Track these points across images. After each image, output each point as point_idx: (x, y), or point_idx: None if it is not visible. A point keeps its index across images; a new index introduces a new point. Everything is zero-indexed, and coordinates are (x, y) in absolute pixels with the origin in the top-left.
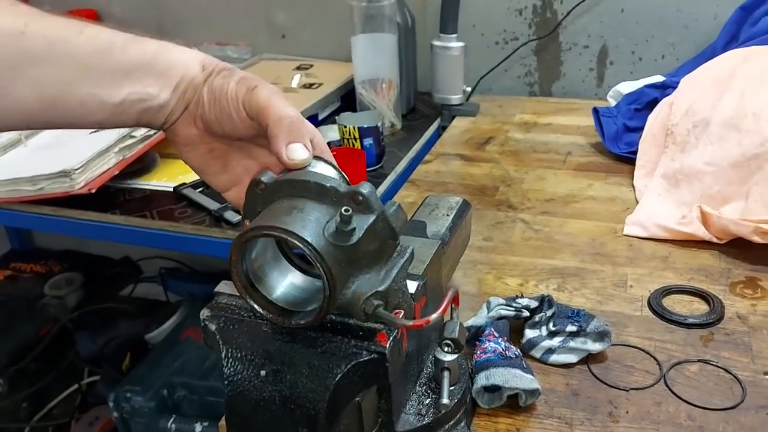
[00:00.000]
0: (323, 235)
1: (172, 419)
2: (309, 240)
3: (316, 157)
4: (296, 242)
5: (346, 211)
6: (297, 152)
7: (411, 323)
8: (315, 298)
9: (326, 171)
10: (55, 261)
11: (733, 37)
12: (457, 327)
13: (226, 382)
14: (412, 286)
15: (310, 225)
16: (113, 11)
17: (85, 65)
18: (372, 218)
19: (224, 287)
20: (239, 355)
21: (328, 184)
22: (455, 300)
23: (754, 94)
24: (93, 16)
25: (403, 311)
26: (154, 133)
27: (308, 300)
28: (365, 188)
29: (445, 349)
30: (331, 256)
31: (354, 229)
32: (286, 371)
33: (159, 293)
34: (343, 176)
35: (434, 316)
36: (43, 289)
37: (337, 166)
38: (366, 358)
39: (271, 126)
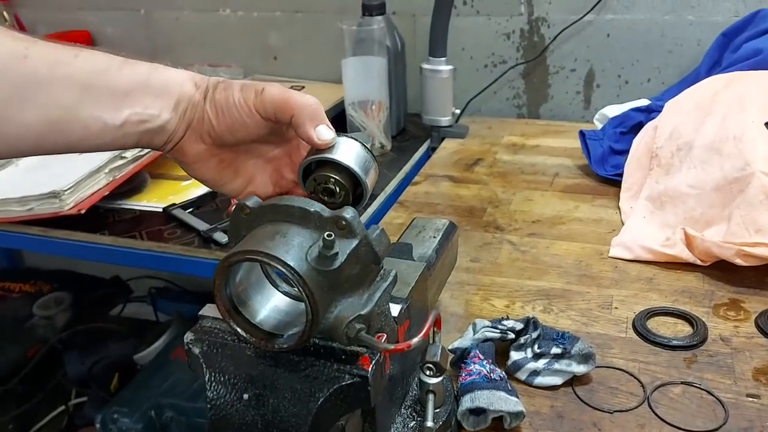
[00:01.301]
0: (306, 259)
1: None
2: (292, 264)
3: (339, 133)
4: (279, 267)
5: (328, 236)
6: (325, 133)
7: (392, 347)
8: (298, 322)
9: (351, 145)
10: (45, 281)
11: (715, 62)
12: (439, 350)
13: (209, 406)
14: (395, 309)
15: (293, 250)
16: (106, 33)
17: (86, 87)
18: (355, 243)
19: (209, 310)
20: (222, 378)
21: (312, 209)
22: (437, 323)
23: (735, 118)
24: (86, 37)
25: (385, 335)
26: (145, 154)
27: (291, 323)
28: (348, 213)
29: (427, 372)
30: (314, 281)
31: (337, 253)
32: (268, 395)
33: (149, 313)
34: (367, 148)
35: (415, 340)
36: (31, 309)
37: (359, 138)
38: (348, 381)
39: (297, 114)
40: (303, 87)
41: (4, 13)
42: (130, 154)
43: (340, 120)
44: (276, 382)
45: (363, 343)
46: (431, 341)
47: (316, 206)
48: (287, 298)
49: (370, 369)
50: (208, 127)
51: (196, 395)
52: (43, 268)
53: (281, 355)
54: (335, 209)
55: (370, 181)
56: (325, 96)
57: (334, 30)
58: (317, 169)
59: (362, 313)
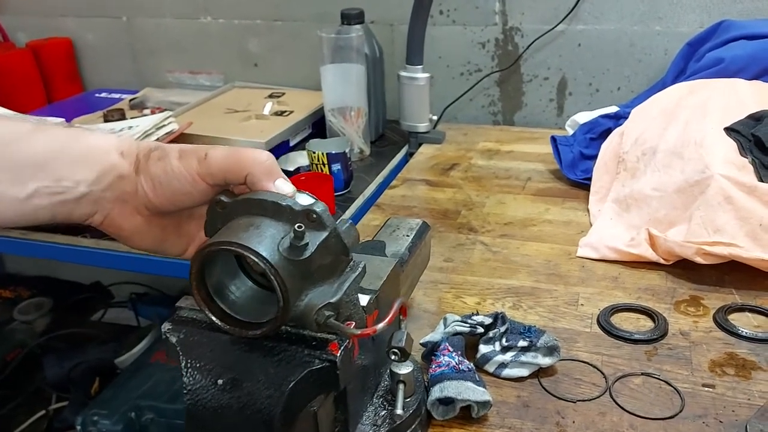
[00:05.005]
0: (278, 250)
1: None
2: (264, 254)
3: (298, 191)
4: (252, 257)
5: (299, 227)
6: (284, 186)
7: (359, 332)
8: (271, 310)
9: (307, 200)
10: (24, 287)
11: (681, 70)
12: (404, 336)
13: (185, 392)
14: (364, 299)
15: (266, 241)
16: (88, 39)
17: None
18: (324, 235)
19: (185, 301)
20: (198, 365)
21: (284, 203)
22: (403, 311)
23: (696, 124)
24: (67, 44)
25: (354, 322)
26: None
27: (265, 312)
28: (318, 207)
29: (392, 357)
30: (285, 270)
31: (307, 244)
32: (243, 379)
33: (130, 318)
34: (323, 205)
35: (380, 325)
36: (11, 314)
37: (314, 195)
38: (318, 366)
39: (252, 173)
40: (284, 93)
41: None
42: None
43: (320, 125)
44: (250, 367)
45: (332, 329)
46: (398, 328)
47: (287, 200)
48: (260, 288)
49: (338, 354)
50: (144, 200)
51: (176, 397)
52: (23, 274)
53: (256, 341)
54: None
55: None
56: (305, 102)
57: (314, 38)
58: None
59: (331, 301)
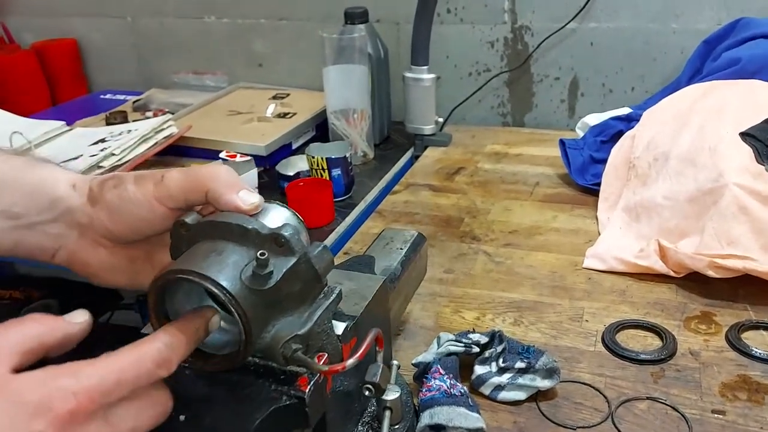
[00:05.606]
0: (240, 278)
1: None
2: (223, 284)
3: (268, 201)
4: (210, 287)
5: (261, 254)
6: (249, 196)
7: (327, 368)
8: (237, 340)
9: (280, 213)
10: (35, 288)
11: (697, 70)
12: (379, 370)
13: None
14: (339, 327)
15: (227, 269)
16: (93, 39)
17: None
18: (293, 261)
19: (149, 329)
20: None
21: (250, 226)
22: (379, 342)
23: (711, 129)
24: (73, 45)
25: (327, 354)
26: (123, 163)
27: (232, 341)
28: (287, 231)
29: (366, 393)
30: (247, 300)
31: (271, 272)
32: (206, 416)
33: (137, 321)
34: (297, 216)
35: (350, 361)
36: (19, 316)
37: (285, 205)
38: (285, 403)
39: (213, 188)
40: (288, 94)
41: None
42: (108, 163)
43: (324, 128)
44: (214, 402)
45: (299, 363)
46: (374, 360)
47: (254, 223)
48: (228, 315)
49: (307, 390)
50: (102, 230)
51: None
52: (34, 275)
53: (221, 374)
54: None
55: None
56: (309, 104)
57: (318, 38)
58: None
59: (299, 333)
